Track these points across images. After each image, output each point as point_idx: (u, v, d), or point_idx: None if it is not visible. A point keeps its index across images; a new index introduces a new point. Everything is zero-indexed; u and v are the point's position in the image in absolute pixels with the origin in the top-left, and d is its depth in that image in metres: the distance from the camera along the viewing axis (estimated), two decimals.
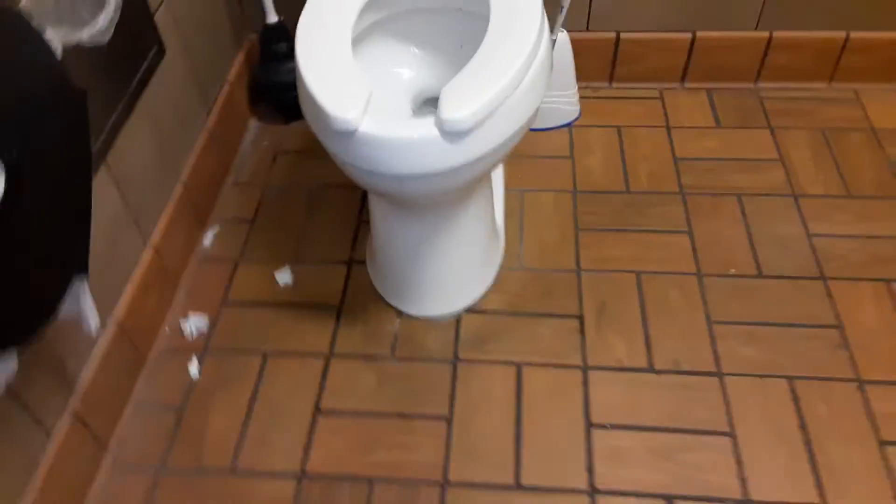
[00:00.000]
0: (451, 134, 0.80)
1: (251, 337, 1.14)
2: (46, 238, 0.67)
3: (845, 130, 1.40)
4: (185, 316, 1.17)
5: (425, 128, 0.80)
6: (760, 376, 1.06)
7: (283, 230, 1.29)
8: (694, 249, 1.22)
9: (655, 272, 1.19)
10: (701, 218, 1.26)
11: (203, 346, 1.14)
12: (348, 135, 0.81)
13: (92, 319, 0.79)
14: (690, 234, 1.24)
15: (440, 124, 0.79)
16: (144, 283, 1.09)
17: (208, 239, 1.28)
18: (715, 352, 1.09)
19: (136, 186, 1.07)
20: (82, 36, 0.87)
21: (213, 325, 1.16)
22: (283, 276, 1.22)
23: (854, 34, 1.42)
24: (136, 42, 1.03)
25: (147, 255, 1.10)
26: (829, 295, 1.14)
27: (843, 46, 1.44)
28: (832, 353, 1.07)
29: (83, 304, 0.77)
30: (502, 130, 0.84)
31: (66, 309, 0.75)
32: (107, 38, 0.90)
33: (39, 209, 0.65)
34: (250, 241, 1.28)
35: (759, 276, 1.18)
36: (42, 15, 0.80)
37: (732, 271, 1.18)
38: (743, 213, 1.27)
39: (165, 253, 1.15)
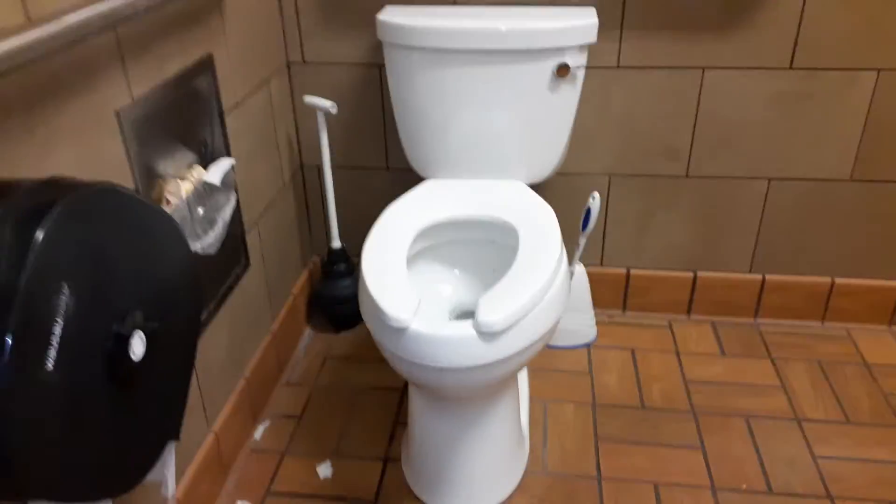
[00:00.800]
0: (486, 335, 0.97)
1: None
2: (158, 402, 0.82)
3: (840, 364, 1.54)
4: (233, 503, 1.26)
5: (465, 329, 0.97)
6: None
7: (327, 427, 1.42)
8: (707, 464, 1.30)
9: (672, 483, 1.27)
10: (712, 435, 1.36)
11: None
12: (401, 332, 0.99)
13: (171, 486, 0.91)
14: (703, 450, 1.33)
15: (478, 326, 0.96)
16: (203, 466, 1.20)
17: (259, 432, 1.41)
18: None
19: (210, 375, 1.23)
20: (197, 247, 1.10)
21: None
22: (324, 470, 1.32)
23: (839, 280, 1.63)
24: (231, 256, 1.27)
25: (209, 441, 1.23)
26: None
27: (830, 291, 1.64)
28: None
29: (168, 470, 0.89)
30: (527, 335, 1.01)
31: (153, 471, 0.88)
32: (214, 250, 1.13)
33: (159, 376, 0.81)
34: (296, 435, 1.40)
35: (770, 492, 1.25)
36: None
37: (744, 487, 1.26)
38: (751, 432, 1.37)
39: (223, 441, 1.27)
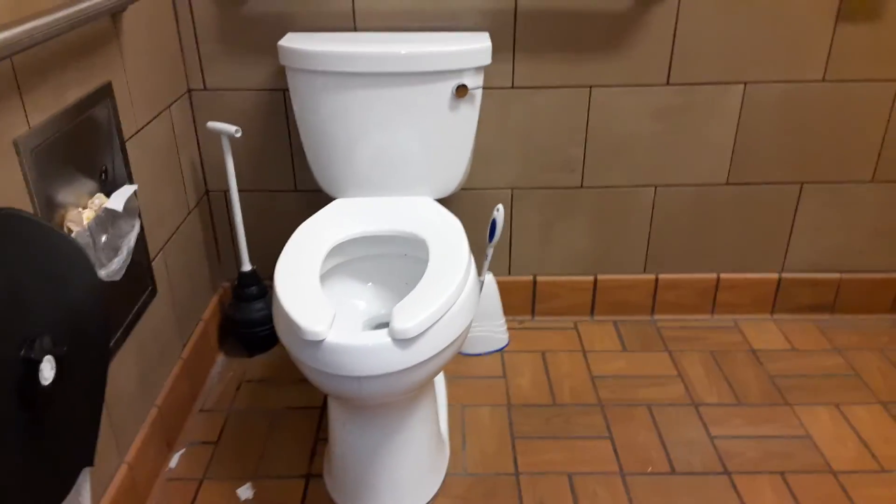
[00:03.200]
0: (402, 341, 1.01)
1: None
2: (71, 428, 0.81)
3: (730, 352, 1.67)
4: None
5: (381, 337, 1.01)
6: None
7: (246, 450, 1.41)
8: (615, 452, 1.39)
9: (584, 473, 1.34)
10: (619, 425, 1.45)
11: None
12: (316, 344, 1.01)
13: None
14: (611, 439, 1.42)
15: (393, 333, 1.00)
16: (116, 498, 1.17)
17: (174, 460, 1.38)
18: None
19: (120, 405, 1.20)
20: (102, 274, 1.08)
21: None
22: (245, 492, 1.31)
23: (724, 275, 1.77)
24: (137, 282, 1.25)
25: (122, 472, 1.20)
26: (735, 487, 1.30)
27: (717, 286, 1.78)
28: None
29: (83, 497, 0.88)
30: (441, 340, 1.06)
31: (67, 499, 0.86)
32: (119, 277, 1.12)
33: (70, 401, 0.80)
34: (214, 461, 1.38)
35: (673, 472, 1.34)
36: None
37: (650, 469, 1.35)
38: (653, 420, 1.47)
39: (137, 471, 1.24)
